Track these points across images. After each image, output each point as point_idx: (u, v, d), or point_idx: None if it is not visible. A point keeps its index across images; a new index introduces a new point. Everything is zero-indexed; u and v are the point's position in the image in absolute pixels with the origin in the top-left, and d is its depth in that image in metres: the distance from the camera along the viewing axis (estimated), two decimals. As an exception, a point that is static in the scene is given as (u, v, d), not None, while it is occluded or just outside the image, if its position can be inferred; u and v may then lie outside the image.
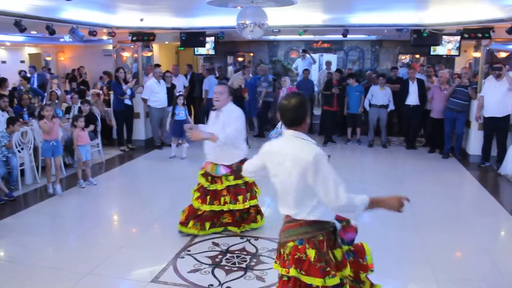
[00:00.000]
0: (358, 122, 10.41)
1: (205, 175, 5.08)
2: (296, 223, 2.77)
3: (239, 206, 5.00)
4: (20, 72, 13.00)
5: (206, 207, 4.98)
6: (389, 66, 13.48)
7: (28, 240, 5.16)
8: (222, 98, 4.91)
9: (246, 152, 5.04)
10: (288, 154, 2.73)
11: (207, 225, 5.06)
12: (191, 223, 5.04)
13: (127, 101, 9.60)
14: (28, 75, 13.02)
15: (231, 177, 4.98)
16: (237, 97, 9.56)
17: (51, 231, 5.52)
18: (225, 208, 5.00)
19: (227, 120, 4.86)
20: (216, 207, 5.00)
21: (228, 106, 4.97)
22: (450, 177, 7.86)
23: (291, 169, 2.70)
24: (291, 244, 2.75)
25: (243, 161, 4.68)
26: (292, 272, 2.71)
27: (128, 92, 9.50)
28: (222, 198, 4.98)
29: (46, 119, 6.55)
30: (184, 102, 9.17)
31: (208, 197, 4.99)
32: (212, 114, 5.12)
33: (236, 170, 4.88)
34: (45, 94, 10.32)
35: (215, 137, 4.71)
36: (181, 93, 9.57)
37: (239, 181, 5.01)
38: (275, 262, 2.91)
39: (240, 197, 5.00)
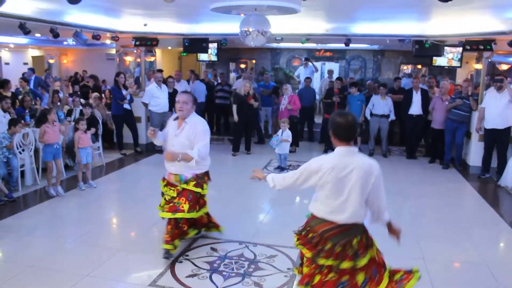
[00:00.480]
0: (359, 131, 10.43)
1: (167, 185, 4.81)
2: (351, 225, 3.16)
3: (194, 214, 4.68)
4: (23, 74, 13.06)
5: (166, 214, 4.65)
6: (391, 76, 13.56)
7: (27, 241, 5.16)
8: (186, 107, 4.54)
9: (209, 164, 4.82)
10: (356, 167, 3.07)
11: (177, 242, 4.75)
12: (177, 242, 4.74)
13: (126, 106, 9.62)
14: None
15: (192, 183, 4.65)
16: (244, 104, 9.63)
17: (50, 233, 5.52)
18: (179, 216, 4.62)
19: (193, 134, 4.54)
20: (174, 215, 4.62)
21: (193, 117, 4.63)
22: (450, 188, 7.86)
23: (357, 181, 3.07)
24: (355, 240, 3.16)
25: (207, 172, 4.82)
26: (369, 254, 3.21)
27: (128, 97, 9.53)
28: (178, 205, 4.61)
29: (48, 124, 6.61)
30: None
31: (168, 206, 4.68)
32: (172, 124, 4.73)
33: (199, 177, 4.67)
34: (45, 96, 10.37)
35: (189, 157, 4.46)
36: None
37: (197, 189, 4.66)
38: (332, 260, 3.13)
39: (197, 206, 4.71)
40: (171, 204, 4.63)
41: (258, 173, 3.75)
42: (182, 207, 4.56)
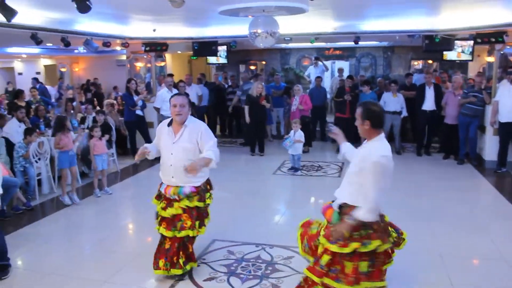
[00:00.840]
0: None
1: (158, 197, 4.42)
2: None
3: (193, 232, 4.24)
4: (36, 84, 13.24)
5: (163, 231, 4.26)
6: (402, 72, 13.45)
7: (45, 249, 5.23)
8: (184, 111, 4.16)
9: (208, 169, 4.36)
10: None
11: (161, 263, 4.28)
12: (161, 263, 4.27)
13: (139, 112, 9.68)
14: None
15: (196, 197, 4.22)
16: (256, 105, 9.64)
17: (68, 240, 5.58)
18: (182, 234, 4.20)
19: (198, 135, 4.17)
20: (170, 233, 4.22)
21: (191, 119, 4.27)
22: (466, 183, 7.78)
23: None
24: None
25: (207, 180, 4.39)
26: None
27: (140, 103, 9.59)
28: (179, 223, 4.19)
29: (64, 131, 6.70)
30: (194, 113, 9.24)
31: (165, 223, 4.25)
32: (166, 131, 4.28)
33: (201, 190, 4.25)
34: (55, 104, 10.51)
35: (208, 160, 4.07)
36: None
37: (201, 204, 4.26)
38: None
39: (197, 223, 4.25)
40: (179, 223, 4.21)
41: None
42: (186, 224, 4.18)
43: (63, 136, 6.75)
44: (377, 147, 3.23)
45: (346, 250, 3.21)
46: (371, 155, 3.17)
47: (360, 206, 3.16)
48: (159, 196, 4.41)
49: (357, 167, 3.28)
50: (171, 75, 10.25)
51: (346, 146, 3.76)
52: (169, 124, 4.27)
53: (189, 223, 4.17)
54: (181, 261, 4.24)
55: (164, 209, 4.27)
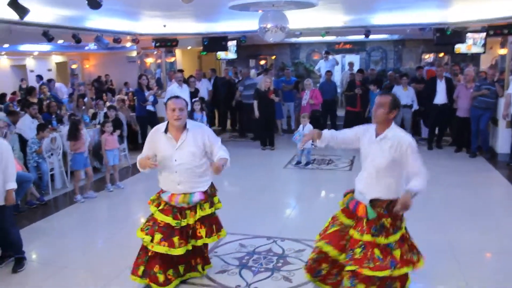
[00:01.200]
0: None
1: (168, 210, 3.93)
2: None
3: (214, 238, 4.09)
4: (50, 81, 13.34)
5: (179, 251, 3.83)
6: (413, 66, 13.36)
7: (59, 242, 5.30)
8: (183, 115, 3.87)
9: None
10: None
11: (181, 268, 4.07)
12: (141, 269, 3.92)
13: (150, 107, 9.75)
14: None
15: (206, 205, 3.99)
16: (264, 99, 9.65)
17: (81, 234, 5.64)
18: (200, 243, 4.00)
19: (204, 137, 3.94)
20: (189, 246, 3.95)
21: (189, 122, 4.00)
22: (478, 177, 7.71)
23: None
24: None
25: (212, 183, 4.13)
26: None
27: (151, 98, 9.65)
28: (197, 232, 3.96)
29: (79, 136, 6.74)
30: (203, 107, 9.27)
31: (177, 237, 3.84)
32: (161, 138, 3.97)
33: (209, 195, 4.02)
34: (65, 101, 10.61)
35: (225, 160, 3.81)
36: (196, 99, 9.68)
37: (212, 210, 4.05)
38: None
39: (214, 227, 4.07)
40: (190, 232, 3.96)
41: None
42: (200, 233, 3.97)
43: (77, 141, 6.78)
44: (401, 134, 3.40)
45: (396, 237, 3.40)
46: (401, 141, 3.32)
47: (416, 179, 3.26)
48: (159, 204, 4.00)
49: (387, 159, 3.33)
50: (181, 71, 10.29)
51: (327, 134, 3.71)
52: (165, 131, 3.93)
53: (203, 232, 3.95)
54: (199, 267, 4.19)
55: (175, 218, 3.89)
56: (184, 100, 3.99)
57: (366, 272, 3.28)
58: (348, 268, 3.40)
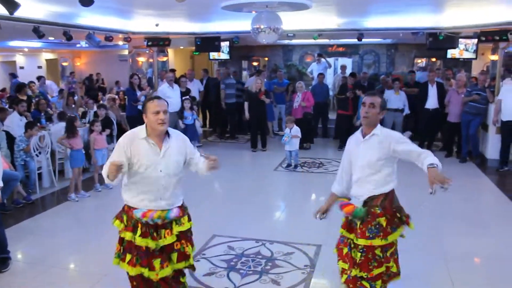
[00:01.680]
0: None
1: (146, 233, 3.27)
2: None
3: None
4: (39, 79, 13.19)
5: (164, 272, 3.30)
6: (405, 70, 13.40)
7: (46, 242, 5.23)
8: (167, 118, 3.26)
9: None
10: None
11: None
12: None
13: (141, 107, 9.67)
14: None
15: (185, 219, 3.41)
16: (255, 100, 9.62)
17: (68, 234, 5.56)
18: (184, 265, 3.45)
19: (184, 144, 3.42)
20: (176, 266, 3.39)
21: (169, 129, 3.37)
22: (468, 182, 7.72)
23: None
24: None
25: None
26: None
27: (142, 98, 9.58)
28: (175, 254, 3.36)
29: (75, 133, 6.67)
30: (193, 106, 9.23)
31: (158, 259, 3.27)
32: (142, 144, 3.25)
33: (184, 207, 3.47)
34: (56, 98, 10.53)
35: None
36: (187, 97, 9.62)
37: (191, 223, 3.47)
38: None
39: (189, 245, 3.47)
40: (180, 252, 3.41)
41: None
42: (187, 250, 3.44)
43: (75, 138, 6.73)
44: (387, 130, 3.46)
45: (395, 235, 3.42)
46: (390, 134, 3.38)
47: (423, 156, 3.21)
48: (135, 227, 3.32)
49: (377, 153, 3.31)
50: (172, 71, 10.23)
51: (338, 190, 3.64)
52: (147, 136, 3.27)
53: (190, 247, 3.44)
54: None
55: (148, 237, 3.28)
56: (166, 101, 3.37)
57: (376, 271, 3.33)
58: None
